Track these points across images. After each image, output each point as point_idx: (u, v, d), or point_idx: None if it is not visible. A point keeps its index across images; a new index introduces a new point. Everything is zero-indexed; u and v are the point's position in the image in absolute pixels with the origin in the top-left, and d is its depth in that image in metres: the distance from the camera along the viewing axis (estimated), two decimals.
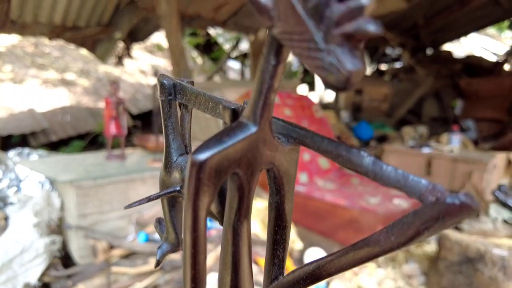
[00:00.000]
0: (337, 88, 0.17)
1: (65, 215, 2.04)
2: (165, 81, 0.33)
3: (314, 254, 2.06)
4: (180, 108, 0.33)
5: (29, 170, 2.25)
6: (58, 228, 2.02)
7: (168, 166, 0.33)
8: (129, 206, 0.31)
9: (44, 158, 2.60)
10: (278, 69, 0.20)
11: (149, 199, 0.31)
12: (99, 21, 3.54)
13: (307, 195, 2.27)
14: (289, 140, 0.24)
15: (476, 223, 2.44)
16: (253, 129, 0.22)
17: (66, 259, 1.99)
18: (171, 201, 0.34)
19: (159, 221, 0.37)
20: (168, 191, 0.31)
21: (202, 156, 0.20)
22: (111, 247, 1.90)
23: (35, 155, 2.87)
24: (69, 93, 4.98)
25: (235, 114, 0.25)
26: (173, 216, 0.34)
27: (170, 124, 0.33)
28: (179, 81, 0.32)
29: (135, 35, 4.06)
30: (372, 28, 0.15)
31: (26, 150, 2.97)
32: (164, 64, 6.65)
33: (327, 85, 0.17)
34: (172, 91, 0.33)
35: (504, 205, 2.68)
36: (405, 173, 0.20)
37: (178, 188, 0.31)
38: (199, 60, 7.40)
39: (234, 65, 7.28)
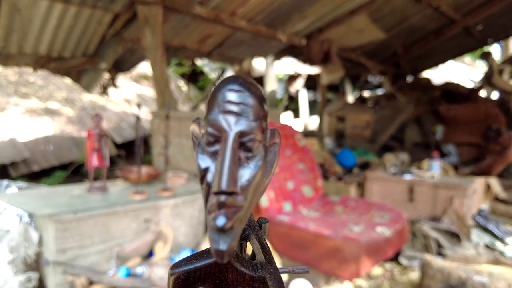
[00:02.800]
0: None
1: (43, 250, 1.98)
2: None
3: (299, 285, 2.03)
4: None
5: (7, 204, 2.20)
6: (35, 264, 1.95)
7: None
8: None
9: (23, 191, 2.54)
10: None
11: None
12: (84, 51, 3.58)
13: (291, 225, 2.27)
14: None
15: (458, 248, 2.47)
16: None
17: None
18: None
19: None
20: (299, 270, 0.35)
21: (174, 271, 0.29)
22: (91, 283, 1.84)
23: (14, 187, 2.80)
24: (52, 122, 4.94)
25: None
26: None
27: None
28: None
29: (121, 66, 4.10)
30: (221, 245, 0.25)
31: (5, 182, 2.90)
32: (150, 92, 6.69)
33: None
34: None
35: (485, 229, 2.72)
36: None
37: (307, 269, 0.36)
38: (185, 88, 7.48)
39: None
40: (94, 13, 3.08)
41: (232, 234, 0.24)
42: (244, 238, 0.31)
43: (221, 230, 0.24)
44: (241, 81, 0.27)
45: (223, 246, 0.24)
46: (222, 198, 0.24)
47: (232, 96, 0.26)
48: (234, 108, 0.25)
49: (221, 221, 0.24)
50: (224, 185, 0.23)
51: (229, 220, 0.24)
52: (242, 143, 0.25)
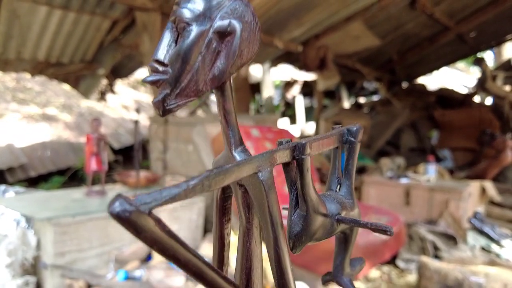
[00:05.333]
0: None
1: (41, 254, 1.97)
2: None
3: None
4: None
5: (4, 208, 2.20)
6: (32, 268, 1.95)
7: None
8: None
9: (20, 195, 2.54)
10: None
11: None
12: (82, 57, 3.60)
13: None
14: None
15: (455, 251, 2.49)
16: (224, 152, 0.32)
17: None
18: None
19: None
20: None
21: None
22: (89, 286, 1.84)
23: (11, 192, 2.80)
24: (50, 128, 4.94)
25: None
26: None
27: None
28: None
29: (119, 72, 4.13)
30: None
31: (2, 187, 2.90)
32: (147, 98, 6.71)
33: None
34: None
35: (481, 232, 2.75)
36: None
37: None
38: None
39: None
40: (92, 19, 3.11)
41: (162, 92, 0.29)
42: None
43: (147, 82, 0.30)
44: None
45: (156, 98, 0.30)
46: (152, 63, 0.30)
47: None
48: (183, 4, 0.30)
49: (146, 78, 0.30)
50: (154, 55, 0.29)
51: (152, 78, 0.29)
52: (176, 28, 0.30)
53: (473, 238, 2.74)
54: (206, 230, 2.47)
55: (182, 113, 5.71)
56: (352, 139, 0.38)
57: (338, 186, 0.39)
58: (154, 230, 0.21)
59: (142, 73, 6.29)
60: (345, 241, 0.39)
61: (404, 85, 6.75)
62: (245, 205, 0.32)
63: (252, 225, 0.32)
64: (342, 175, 0.39)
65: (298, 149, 0.31)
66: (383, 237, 2.22)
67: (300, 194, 0.32)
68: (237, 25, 0.30)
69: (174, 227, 2.25)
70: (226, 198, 0.34)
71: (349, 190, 0.39)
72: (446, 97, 5.98)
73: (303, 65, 4.76)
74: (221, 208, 0.34)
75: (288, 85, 7.18)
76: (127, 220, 0.19)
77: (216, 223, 0.34)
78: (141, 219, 0.20)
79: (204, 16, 0.29)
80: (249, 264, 0.32)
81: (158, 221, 0.21)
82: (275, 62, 5.15)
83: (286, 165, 0.32)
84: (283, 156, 0.31)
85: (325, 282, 0.39)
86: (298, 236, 0.32)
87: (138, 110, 2.14)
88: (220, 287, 0.25)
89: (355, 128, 0.38)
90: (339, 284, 0.38)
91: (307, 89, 7.04)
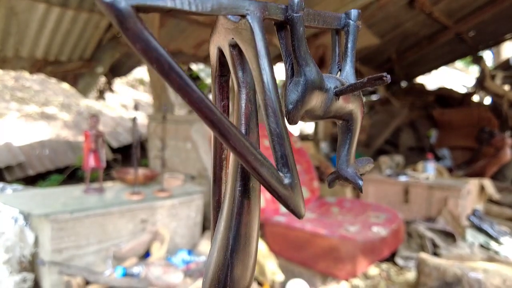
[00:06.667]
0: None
1: (38, 250, 1.97)
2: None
3: (296, 285, 2.03)
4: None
5: (2, 205, 2.19)
6: (30, 265, 1.94)
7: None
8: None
9: (18, 192, 2.53)
10: None
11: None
12: (81, 55, 3.59)
13: (287, 225, 2.28)
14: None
15: (453, 248, 2.49)
16: None
17: None
18: None
19: None
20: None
21: None
22: (87, 283, 1.83)
23: (9, 190, 2.79)
24: (49, 127, 4.93)
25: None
26: None
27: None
28: None
29: (117, 70, 4.12)
30: None
31: (0, 185, 2.89)
32: (146, 98, 6.70)
33: None
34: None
35: (479, 229, 2.75)
36: None
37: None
38: None
39: None
40: (91, 17, 3.11)
41: None
42: None
43: None
44: None
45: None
46: None
47: None
48: None
49: None
50: None
51: None
52: None
53: (471, 235, 2.74)
54: (204, 228, 2.46)
55: (181, 113, 5.70)
56: (351, 21, 0.36)
57: (338, 72, 0.36)
58: (139, 26, 0.19)
59: (141, 71, 6.28)
60: (347, 130, 0.36)
61: (403, 84, 6.75)
62: (239, 67, 0.29)
63: (244, 86, 0.29)
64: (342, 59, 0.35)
65: (290, 6, 0.28)
66: (382, 234, 2.22)
67: (294, 60, 0.29)
68: None
69: (173, 224, 2.25)
70: (223, 76, 0.31)
71: (351, 72, 0.35)
72: (445, 97, 5.99)
73: None
74: (220, 85, 0.31)
75: None
76: (115, 9, 0.18)
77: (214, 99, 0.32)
78: (129, 11, 0.19)
79: None
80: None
81: (142, 21, 0.20)
82: (274, 61, 5.14)
83: (280, 30, 0.30)
84: (276, 11, 0.28)
85: (330, 181, 0.36)
86: (293, 103, 0.29)
87: (136, 107, 2.13)
88: (207, 106, 0.21)
89: (353, 11, 0.35)
90: (343, 176, 0.35)
91: None
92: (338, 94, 0.31)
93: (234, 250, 0.26)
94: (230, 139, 0.22)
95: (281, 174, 0.25)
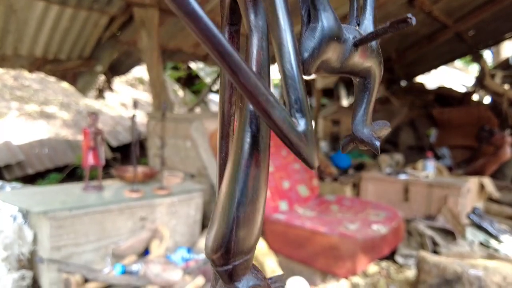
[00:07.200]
0: None
1: (37, 248, 1.96)
2: None
3: (296, 283, 2.03)
4: None
5: (1, 202, 2.18)
6: (28, 262, 1.94)
7: None
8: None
9: (17, 190, 2.52)
10: None
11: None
12: (80, 54, 3.59)
13: (287, 223, 2.28)
14: None
15: (453, 246, 2.48)
16: None
17: None
18: None
19: None
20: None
21: None
22: (86, 280, 1.82)
23: (8, 188, 2.78)
24: (48, 126, 4.92)
25: None
26: None
27: None
28: None
29: (116, 69, 4.12)
30: None
31: None
32: (146, 97, 6.70)
33: None
34: None
35: (479, 227, 2.74)
36: None
37: None
38: (181, 93, 7.50)
39: (215, 98, 7.40)
40: (90, 15, 3.10)
41: None
42: None
43: None
44: None
45: None
46: None
47: None
48: None
49: None
50: None
51: None
52: None
53: (471, 233, 2.74)
54: (204, 226, 2.46)
55: (181, 111, 5.70)
56: None
57: (357, 26, 0.34)
58: None
59: (140, 70, 6.28)
60: (365, 88, 0.33)
61: (403, 83, 6.75)
62: (251, 10, 0.26)
63: (256, 31, 0.27)
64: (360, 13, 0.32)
65: None
66: (382, 231, 2.22)
67: (311, 4, 0.27)
68: None
69: (172, 222, 2.24)
70: (233, 25, 0.29)
71: (370, 26, 0.32)
72: (444, 96, 5.99)
73: None
74: (230, 35, 0.29)
75: None
76: None
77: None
78: None
79: None
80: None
81: None
82: (273, 60, 5.13)
83: None
84: None
85: (344, 144, 0.33)
86: (309, 50, 0.26)
87: (135, 105, 2.12)
88: (215, 36, 0.20)
89: None
90: (358, 138, 0.32)
91: (306, 87, 7.03)
92: (357, 44, 0.29)
93: (240, 203, 0.24)
94: (240, 75, 0.19)
95: (294, 120, 0.22)
